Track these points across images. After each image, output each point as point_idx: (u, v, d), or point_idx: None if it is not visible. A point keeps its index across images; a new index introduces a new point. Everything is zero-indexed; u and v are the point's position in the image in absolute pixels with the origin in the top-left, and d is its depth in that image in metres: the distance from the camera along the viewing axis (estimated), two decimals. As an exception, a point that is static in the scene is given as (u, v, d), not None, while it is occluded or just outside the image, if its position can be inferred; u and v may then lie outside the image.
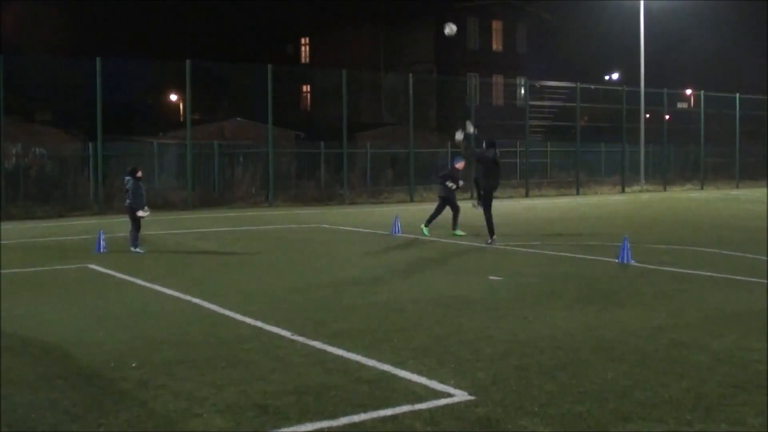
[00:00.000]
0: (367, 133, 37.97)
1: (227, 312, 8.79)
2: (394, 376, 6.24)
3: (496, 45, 53.99)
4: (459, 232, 16.72)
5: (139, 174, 14.46)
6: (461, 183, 17.20)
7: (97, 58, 24.73)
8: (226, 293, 9.99)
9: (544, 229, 18.61)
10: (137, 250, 14.21)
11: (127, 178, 14.49)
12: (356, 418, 5.26)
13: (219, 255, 14.30)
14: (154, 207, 25.51)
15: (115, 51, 35.67)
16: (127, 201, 14.48)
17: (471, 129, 16.60)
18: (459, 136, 16.35)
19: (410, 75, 32.66)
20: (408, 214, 23.00)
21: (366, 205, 29.04)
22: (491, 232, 15.40)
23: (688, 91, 49.63)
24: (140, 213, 14.26)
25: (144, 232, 15.02)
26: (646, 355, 6.88)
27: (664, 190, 38.97)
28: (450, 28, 18.62)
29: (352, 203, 29.37)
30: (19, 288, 10.46)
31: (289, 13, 58.25)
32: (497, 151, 15.82)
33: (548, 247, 15.01)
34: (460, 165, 17.22)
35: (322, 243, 16.21)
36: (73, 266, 12.65)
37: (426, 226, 16.83)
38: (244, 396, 5.73)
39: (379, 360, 6.67)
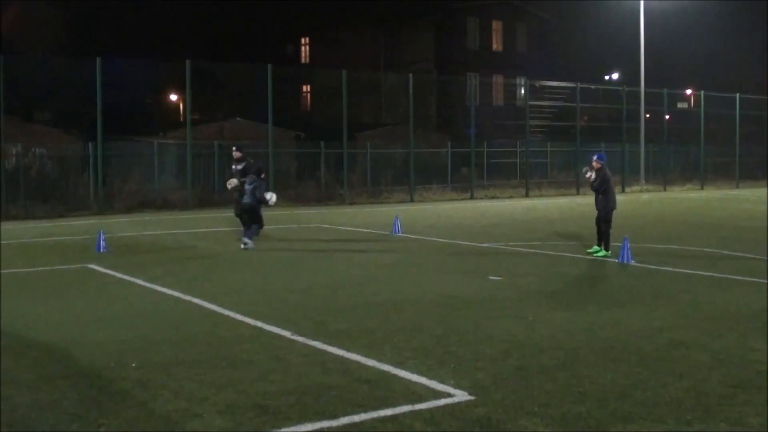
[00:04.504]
0: (367, 133, 37.93)
1: (227, 312, 8.79)
2: (394, 376, 6.24)
3: (496, 45, 53.97)
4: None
5: (264, 176, 15.33)
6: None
7: (97, 58, 24.71)
8: (226, 293, 9.99)
9: (544, 229, 18.61)
10: (248, 244, 14.46)
11: (253, 177, 14.96)
12: (356, 418, 5.26)
13: (219, 255, 14.29)
14: (154, 207, 25.67)
15: (115, 51, 35.66)
16: (247, 199, 14.83)
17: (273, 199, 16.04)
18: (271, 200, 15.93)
19: (410, 75, 32.63)
20: (408, 214, 23.02)
21: (366, 205, 29.02)
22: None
23: (688, 91, 49.59)
24: (270, 197, 14.85)
25: (144, 231, 15.03)
26: (646, 355, 6.88)
27: (664, 190, 38.95)
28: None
29: (352, 203, 29.35)
30: (19, 288, 10.46)
31: (289, 13, 58.30)
32: (256, 178, 15.74)
33: (548, 247, 15.02)
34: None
35: (322, 243, 16.20)
36: (73, 266, 12.65)
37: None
38: (244, 396, 5.73)
39: (379, 360, 6.67)
